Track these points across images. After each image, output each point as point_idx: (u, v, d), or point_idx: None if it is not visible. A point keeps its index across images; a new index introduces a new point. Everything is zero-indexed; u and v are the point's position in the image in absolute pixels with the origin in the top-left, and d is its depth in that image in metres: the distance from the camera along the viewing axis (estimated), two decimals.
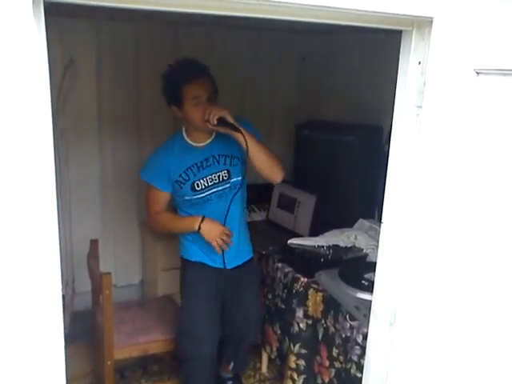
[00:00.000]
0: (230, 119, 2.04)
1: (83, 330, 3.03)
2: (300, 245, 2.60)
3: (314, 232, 2.72)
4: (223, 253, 2.27)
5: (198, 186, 2.21)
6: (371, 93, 2.88)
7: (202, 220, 2.17)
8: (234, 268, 2.35)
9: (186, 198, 2.23)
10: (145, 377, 2.91)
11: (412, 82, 1.37)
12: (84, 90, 3.15)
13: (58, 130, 3.03)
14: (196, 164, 2.19)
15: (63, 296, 3.14)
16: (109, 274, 2.31)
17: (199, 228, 2.17)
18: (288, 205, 3.02)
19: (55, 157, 1.22)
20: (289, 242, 2.63)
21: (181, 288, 2.42)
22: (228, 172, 2.24)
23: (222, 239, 2.19)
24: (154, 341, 2.51)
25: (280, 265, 2.57)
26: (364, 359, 1.68)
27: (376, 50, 2.80)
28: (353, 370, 1.99)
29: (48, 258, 1.26)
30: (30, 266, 1.24)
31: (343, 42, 3.05)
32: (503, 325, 1.37)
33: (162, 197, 2.25)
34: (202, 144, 2.23)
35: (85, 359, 2.94)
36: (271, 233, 2.85)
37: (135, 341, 2.47)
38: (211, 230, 2.17)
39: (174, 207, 2.38)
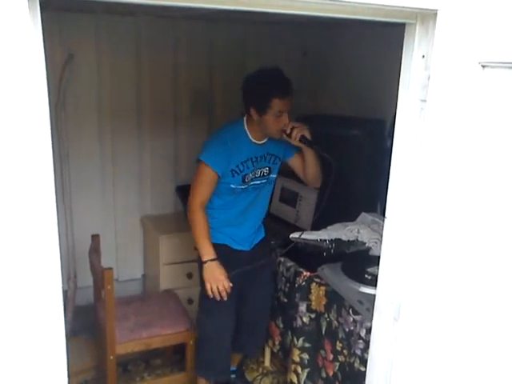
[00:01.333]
0: (309, 137, 2.25)
1: (85, 324, 3.04)
2: (302, 239, 2.59)
3: (317, 226, 2.71)
4: (250, 238, 2.46)
5: (247, 179, 2.34)
6: (373, 86, 2.86)
7: (212, 260, 2.24)
8: (252, 248, 2.49)
9: (232, 185, 2.32)
10: (147, 370, 2.92)
11: (416, 75, 1.35)
12: (84, 85, 3.13)
13: (57, 125, 3.02)
14: (251, 158, 2.32)
15: (65, 291, 3.15)
16: (110, 269, 2.31)
17: (205, 262, 2.24)
18: (290, 199, 3.00)
19: (55, 152, 1.21)
20: (291, 236, 2.61)
21: (201, 269, 2.41)
22: (269, 169, 2.42)
23: (218, 287, 2.24)
24: (156, 335, 2.51)
25: (282, 259, 2.56)
26: (367, 353, 1.68)
27: (378, 44, 2.78)
28: (356, 364, 2.00)
29: (48, 252, 1.25)
30: (30, 261, 1.23)
31: (345, 35, 3.03)
32: (507, 320, 1.36)
33: (214, 182, 2.29)
34: (260, 142, 2.35)
35: (87, 354, 2.95)
36: (273, 227, 2.83)
37: (137, 335, 2.47)
38: (213, 274, 2.24)
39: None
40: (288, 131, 2.23)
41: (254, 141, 2.32)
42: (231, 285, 2.26)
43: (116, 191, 3.41)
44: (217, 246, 2.35)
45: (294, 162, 2.47)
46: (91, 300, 2.77)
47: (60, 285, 1.30)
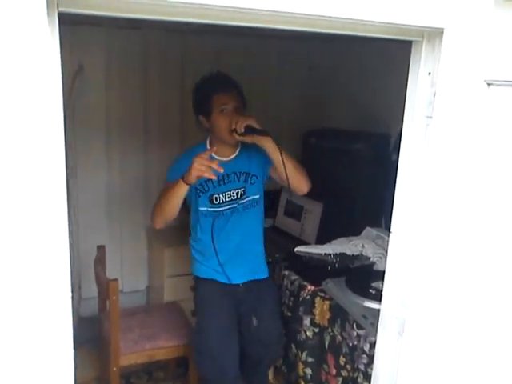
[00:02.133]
0: (256, 125, 2.07)
1: (89, 335, 3.03)
2: (307, 252, 2.60)
3: (321, 240, 2.72)
4: (223, 268, 2.29)
5: (216, 200, 2.24)
6: (378, 101, 2.88)
7: (182, 177, 2.04)
8: (246, 285, 2.34)
9: (201, 208, 2.25)
10: (150, 383, 2.91)
11: (422, 92, 1.37)
12: (92, 98, 3.16)
13: (66, 137, 3.04)
14: (217, 177, 2.13)
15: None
16: (115, 280, 2.32)
17: (184, 181, 2.02)
18: (295, 212, 3.01)
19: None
20: (296, 249, 2.62)
21: (195, 306, 2.43)
22: (244, 190, 2.29)
23: (204, 165, 1.98)
24: (159, 347, 2.51)
25: (287, 272, 2.56)
26: (371, 368, 1.68)
27: (385, 59, 2.80)
28: (360, 380, 1.99)
29: (58, 264, 1.26)
30: (41, 272, 1.24)
31: (351, 50, 3.06)
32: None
33: None
34: (225, 159, 2.25)
35: (90, 365, 2.94)
36: (278, 240, 2.84)
37: (141, 347, 2.47)
38: (192, 168, 1.97)
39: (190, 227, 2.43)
40: (233, 126, 2.09)
41: (218, 158, 2.18)
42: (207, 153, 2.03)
43: (122, 203, 3.42)
44: (206, 282, 2.32)
45: (273, 172, 2.28)
46: (95, 311, 2.78)
47: (69, 295, 1.31)
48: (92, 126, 3.21)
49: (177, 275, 3.18)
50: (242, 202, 2.29)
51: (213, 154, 2.13)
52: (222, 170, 2.01)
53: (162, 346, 2.51)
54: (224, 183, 2.25)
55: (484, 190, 1.33)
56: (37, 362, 1.30)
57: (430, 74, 1.34)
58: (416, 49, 1.39)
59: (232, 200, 2.27)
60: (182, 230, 3.48)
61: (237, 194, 2.27)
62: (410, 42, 1.40)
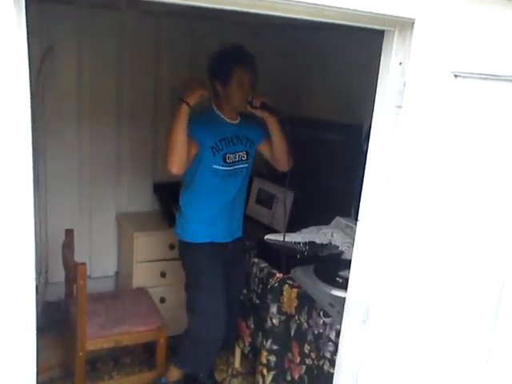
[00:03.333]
0: (270, 104, 2.28)
1: (54, 320, 3.00)
2: (276, 240, 2.61)
3: (292, 229, 2.73)
4: (226, 226, 2.46)
5: (229, 159, 2.37)
6: (351, 91, 2.90)
7: (181, 104, 2.15)
8: (232, 243, 2.53)
9: (214, 166, 2.34)
10: (116, 369, 2.90)
11: (392, 82, 1.38)
12: (63, 78, 3.10)
13: (34, 119, 2.97)
14: (227, 138, 2.37)
15: (36, 286, 3.10)
16: (84, 264, 2.30)
17: (184, 102, 2.13)
18: (266, 201, 3.02)
19: (32, 146, 1.20)
20: (266, 237, 2.63)
21: (191, 269, 2.48)
22: (247, 154, 2.46)
23: (193, 84, 2.19)
24: (126, 332, 2.50)
25: (256, 260, 2.58)
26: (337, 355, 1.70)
27: (359, 49, 2.81)
28: (326, 367, 2.01)
29: (22, 247, 1.24)
30: (3, 254, 1.22)
31: (325, 38, 3.06)
32: (476, 324, 1.40)
33: (192, 146, 2.24)
34: (233, 122, 2.42)
35: (53, 351, 2.90)
36: (248, 228, 2.84)
37: (108, 332, 2.46)
38: (192, 90, 2.16)
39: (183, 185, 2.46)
40: (250, 99, 2.28)
41: (227, 119, 2.39)
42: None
43: (92, 187, 3.38)
44: (202, 246, 2.40)
45: (264, 145, 2.50)
46: (62, 295, 2.75)
47: (33, 279, 1.29)
48: (63, 107, 3.15)
49: (146, 261, 3.16)
50: (246, 165, 2.46)
51: (223, 117, 2.38)
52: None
53: (129, 331, 2.50)
54: (233, 144, 2.40)
55: (450, 179, 1.35)
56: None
57: (400, 64, 1.35)
58: (388, 39, 1.39)
59: (237, 161, 2.41)
60: (151, 216, 3.47)
61: (239, 156, 2.42)
62: (382, 32, 1.41)
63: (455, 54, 1.23)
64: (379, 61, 1.43)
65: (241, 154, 2.43)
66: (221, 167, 2.36)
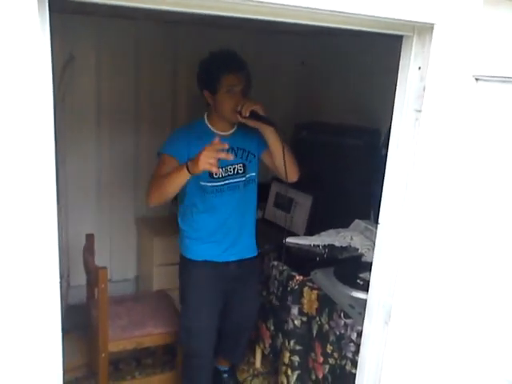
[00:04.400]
0: (261, 112, 2.10)
1: (77, 323, 3.04)
2: (296, 243, 2.63)
3: (310, 232, 2.75)
4: (219, 246, 2.31)
5: (216, 174, 2.18)
6: (370, 95, 2.91)
7: (187, 163, 1.99)
8: (237, 263, 2.36)
9: (201, 183, 2.20)
10: (138, 369, 2.94)
11: (411, 86, 1.40)
12: (83, 87, 3.17)
13: (56, 126, 3.03)
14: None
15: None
16: (105, 268, 2.33)
17: (188, 171, 1.96)
18: (284, 204, 3.04)
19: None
20: (286, 240, 2.65)
21: (182, 286, 2.44)
22: (244, 166, 2.28)
23: (212, 157, 1.92)
24: (148, 334, 2.53)
25: (276, 263, 2.59)
26: (358, 356, 1.71)
27: (377, 54, 2.82)
28: (348, 367, 2.03)
29: (47, 251, 1.28)
30: (30, 259, 1.25)
31: (343, 44, 3.08)
32: (498, 325, 1.40)
33: (172, 165, 2.12)
34: (225, 133, 2.24)
35: (78, 352, 2.96)
36: (267, 231, 2.87)
37: (130, 334, 2.49)
38: (199, 160, 1.91)
39: (178, 199, 2.36)
40: (239, 108, 2.11)
41: (216, 132, 2.21)
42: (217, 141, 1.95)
43: (112, 192, 3.43)
44: (194, 263, 2.33)
45: (265, 156, 2.32)
46: (83, 299, 2.79)
47: (58, 282, 1.32)
48: (82, 115, 3.22)
49: (166, 264, 3.20)
50: (243, 179, 2.28)
51: (212, 129, 2.21)
52: (231, 157, 2.00)
53: (151, 333, 2.54)
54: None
55: (471, 183, 1.36)
56: (25, 349, 1.31)
57: (419, 68, 1.37)
58: (406, 43, 1.41)
59: (229, 175, 2.25)
60: (171, 220, 3.50)
61: (234, 169, 2.25)
62: (400, 37, 1.42)
63: (475, 58, 1.24)
64: (398, 65, 1.45)
65: (236, 166, 2.25)
66: (208, 183, 2.20)
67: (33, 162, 1.20)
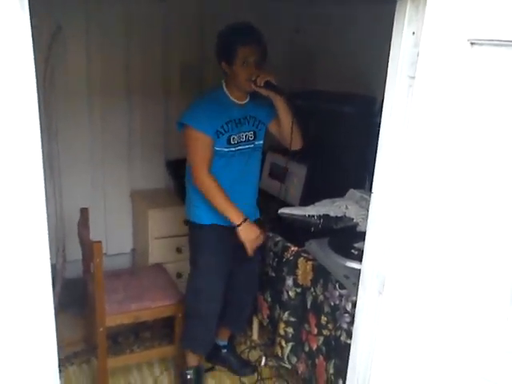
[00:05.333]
0: (275, 83, 2.25)
1: (75, 297, 3.06)
2: (290, 214, 2.62)
3: (305, 202, 2.73)
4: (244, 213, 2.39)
5: (233, 140, 2.34)
6: (365, 63, 2.85)
7: (245, 220, 2.27)
8: None
9: (217, 148, 2.31)
10: (137, 343, 2.96)
11: (405, 52, 1.36)
12: (72, 59, 3.10)
13: (45, 100, 2.98)
14: (234, 120, 2.34)
15: (54, 264, 3.16)
16: (99, 242, 2.32)
17: (239, 225, 2.26)
18: (279, 174, 3.02)
19: (43, 127, 1.21)
20: (279, 211, 2.64)
21: (194, 249, 2.50)
22: (254, 134, 2.42)
23: (257, 243, 2.31)
24: (145, 308, 2.54)
25: (270, 234, 2.59)
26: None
27: (371, 21, 2.76)
28: (343, 338, 2.03)
29: (35, 226, 1.26)
30: (18, 236, 1.24)
31: (337, 12, 3.01)
32: (492, 294, 1.39)
33: (210, 145, 2.28)
34: (240, 102, 2.38)
35: (77, 326, 2.98)
36: (262, 202, 2.84)
37: (127, 308, 2.50)
38: (250, 233, 2.28)
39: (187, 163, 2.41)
40: (253, 78, 2.25)
41: (234, 100, 2.36)
42: (263, 232, 2.33)
43: (105, 166, 3.40)
44: (203, 227, 2.39)
45: (273, 125, 2.48)
46: (81, 273, 2.79)
47: (48, 258, 1.31)
48: (73, 88, 3.15)
49: (162, 237, 3.20)
50: (252, 145, 2.42)
51: (230, 97, 2.35)
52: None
53: (148, 307, 2.54)
54: (240, 125, 2.37)
55: (466, 151, 1.33)
56: (19, 324, 1.31)
57: (413, 33, 1.32)
58: (400, 8, 1.36)
59: (242, 142, 2.38)
60: (166, 192, 3.49)
61: (246, 136, 2.39)
62: (395, 2, 1.38)
63: (471, 21, 1.19)
64: (390, 31, 1.40)
65: (247, 134, 2.40)
66: (224, 149, 2.33)
67: (17, 138, 1.17)
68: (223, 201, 2.27)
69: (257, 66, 2.26)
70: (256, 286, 2.66)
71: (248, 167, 2.43)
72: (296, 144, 2.43)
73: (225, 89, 2.36)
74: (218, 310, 2.48)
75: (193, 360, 2.59)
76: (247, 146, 2.40)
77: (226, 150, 2.33)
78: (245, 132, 2.38)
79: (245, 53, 2.24)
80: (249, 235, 2.28)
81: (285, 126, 2.38)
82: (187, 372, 2.58)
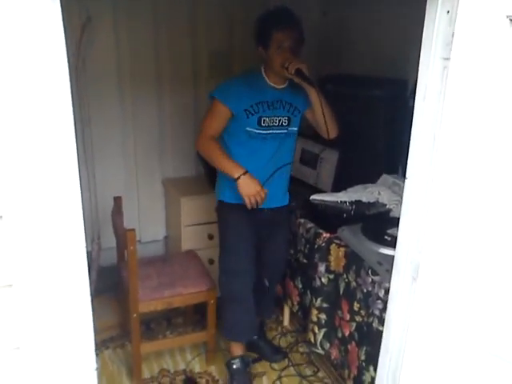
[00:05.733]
0: (306, 72, 2.23)
1: (110, 284, 3.12)
2: (322, 200, 2.59)
3: (337, 188, 2.71)
4: (273, 196, 2.40)
5: (264, 122, 2.34)
6: (396, 46, 2.78)
7: (244, 173, 2.21)
8: (271, 210, 2.46)
9: (248, 128, 2.32)
10: (169, 329, 3.01)
11: (439, 32, 1.32)
12: (102, 49, 3.12)
13: (78, 90, 3.02)
14: (267, 102, 2.33)
15: (89, 252, 3.22)
16: (133, 230, 2.35)
17: (238, 178, 2.20)
18: (310, 161, 2.99)
19: (76, 117, 1.23)
20: (311, 197, 2.62)
21: (221, 230, 2.53)
22: (288, 119, 2.41)
23: (256, 198, 2.23)
24: (177, 295, 2.57)
25: (302, 220, 2.58)
26: (386, 313, 1.70)
27: (402, 1, 2.69)
28: (375, 324, 2.02)
29: (72, 215, 1.29)
30: (56, 224, 1.27)
31: None
32: None
33: (224, 116, 2.30)
34: (277, 86, 2.38)
35: (112, 312, 3.05)
36: (293, 188, 2.82)
37: (160, 295, 2.53)
38: (248, 187, 2.21)
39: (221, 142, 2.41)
40: (286, 65, 2.23)
41: (270, 84, 2.35)
42: (267, 190, 2.25)
43: (137, 154, 3.44)
44: (231, 206, 2.41)
45: (308, 113, 2.48)
46: (115, 261, 2.84)
47: (84, 246, 1.34)
48: (104, 77, 3.18)
49: (194, 224, 3.22)
50: (285, 131, 2.41)
51: (266, 79, 2.35)
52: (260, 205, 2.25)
53: (181, 293, 2.57)
54: (273, 108, 2.35)
55: (506, 136, 1.29)
56: (57, 309, 1.34)
57: (448, 12, 1.28)
58: None
59: (275, 126, 2.37)
60: (197, 180, 3.51)
61: (279, 121, 2.38)
62: None
63: None
64: (423, 12, 1.36)
65: (281, 118, 2.38)
66: (255, 130, 2.32)
67: (52, 127, 1.19)
68: (221, 157, 2.26)
69: (292, 52, 2.24)
70: (282, 266, 2.67)
71: (280, 153, 2.41)
72: (332, 132, 2.44)
73: (263, 71, 2.36)
74: (251, 286, 2.47)
75: (237, 349, 2.59)
76: (280, 131, 2.39)
77: (257, 131, 2.33)
78: (278, 116, 2.37)
79: (279, 37, 2.22)
80: (247, 189, 2.21)
81: (318, 115, 2.38)
82: (233, 362, 2.57)
